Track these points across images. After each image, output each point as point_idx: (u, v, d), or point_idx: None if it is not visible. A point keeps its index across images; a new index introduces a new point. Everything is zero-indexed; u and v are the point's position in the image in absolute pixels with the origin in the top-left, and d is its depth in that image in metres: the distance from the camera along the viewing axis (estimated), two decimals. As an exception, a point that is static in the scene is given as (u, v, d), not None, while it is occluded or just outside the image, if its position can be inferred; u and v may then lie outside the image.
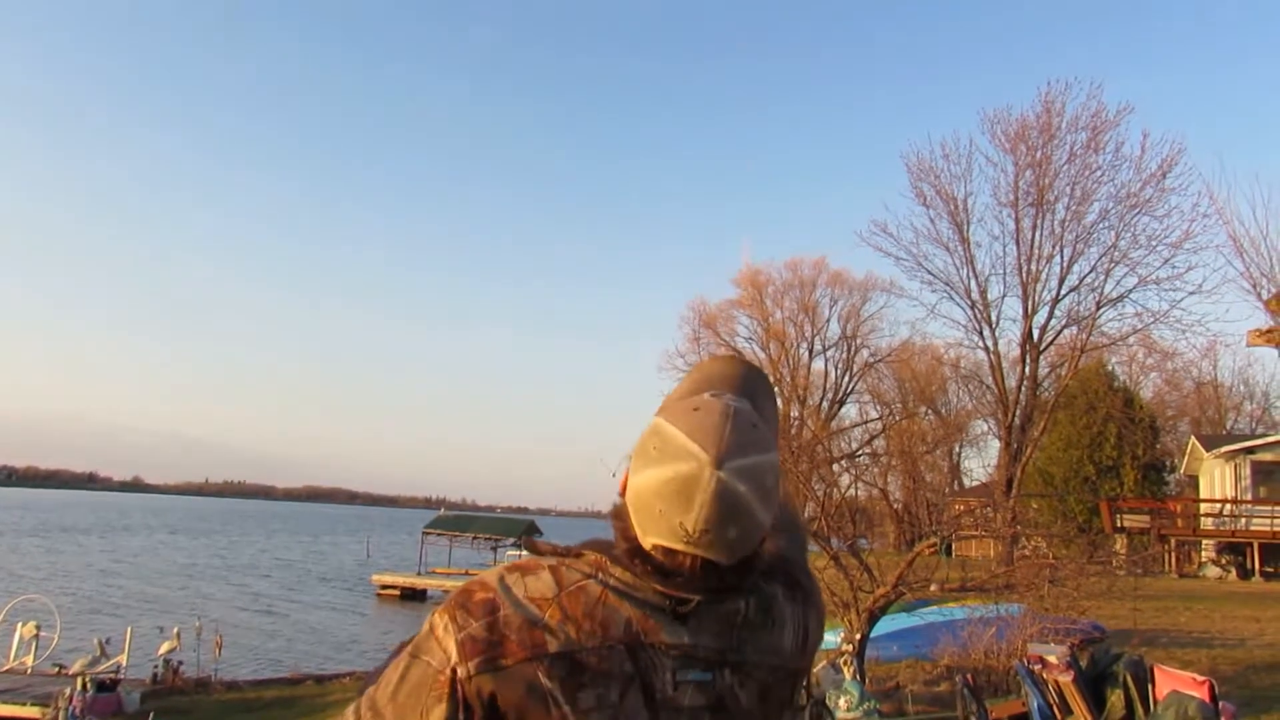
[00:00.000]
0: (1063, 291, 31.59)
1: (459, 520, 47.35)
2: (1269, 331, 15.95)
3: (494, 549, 44.45)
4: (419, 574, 41.49)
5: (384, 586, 39.89)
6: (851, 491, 57.71)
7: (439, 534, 44.52)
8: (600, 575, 1.21)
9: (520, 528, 44.26)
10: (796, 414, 54.73)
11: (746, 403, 1.27)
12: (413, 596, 38.50)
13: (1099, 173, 30.88)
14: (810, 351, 56.60)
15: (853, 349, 56.43)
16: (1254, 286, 16.63)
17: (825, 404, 56.55)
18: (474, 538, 44.43)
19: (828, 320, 56.27)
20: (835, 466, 58.19)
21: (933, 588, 11.84)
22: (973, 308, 32.99)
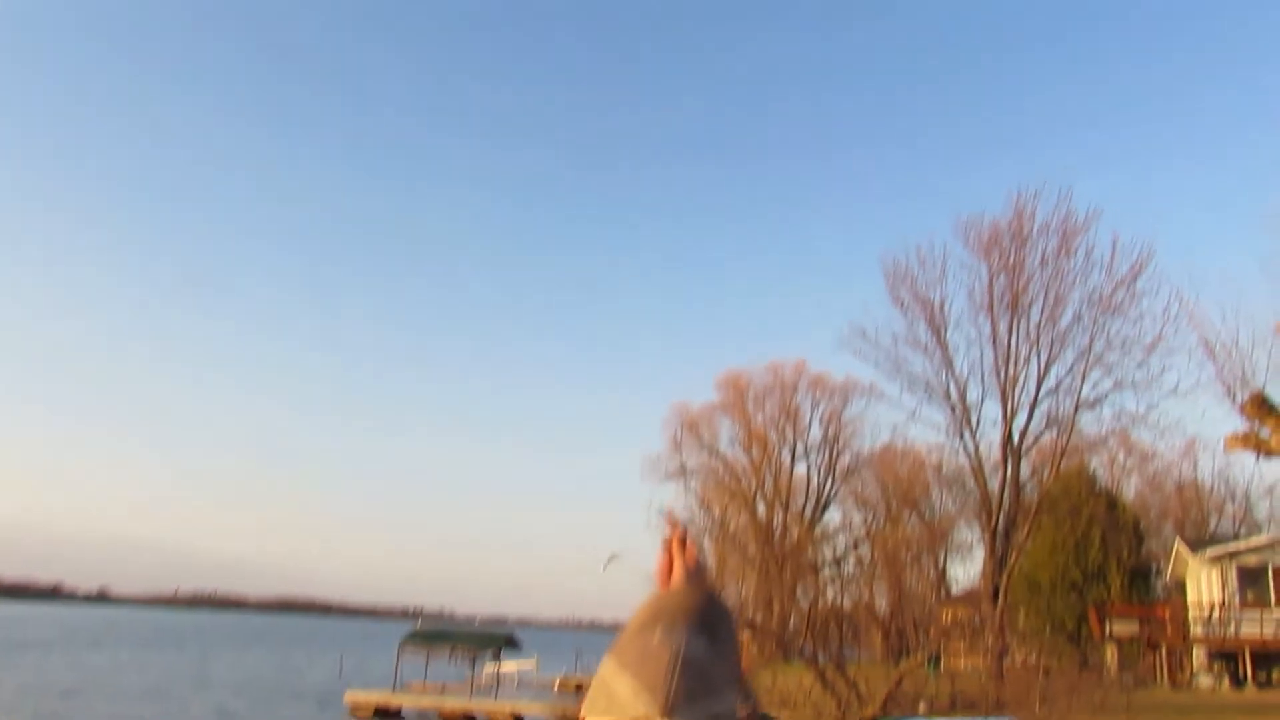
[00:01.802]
0: (1041, 394, 31.88)
1: (436, 633, 46.04)
2: (1247, 436, 16.02)
3: (472, 662, 43.17)
4: (394, 690, 40.11)
5: (356, 705, 38.46)
6: (837, 600, 57.04)
7: (416, 647, 43.21)
8: None
9: (498, 639, 43.11)
10: (779, 520, 54.29)
11: (702, 641, 1.18)
12: (387, 714, 37.10)
13: (1071, 276, 31.60)
14: (792, 455, 56.48)
15: (835, 452, 56.37)
16: (1228, 391, 16.83)
17: (808, 509, 56.12)
18: (452, 650, 43.16)
19: (809, 424, 56.37)
20: (820, 574, 57.54)
21: (921, 706, 11.51)
22: (953, 411, 33.17)
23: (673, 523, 1.35)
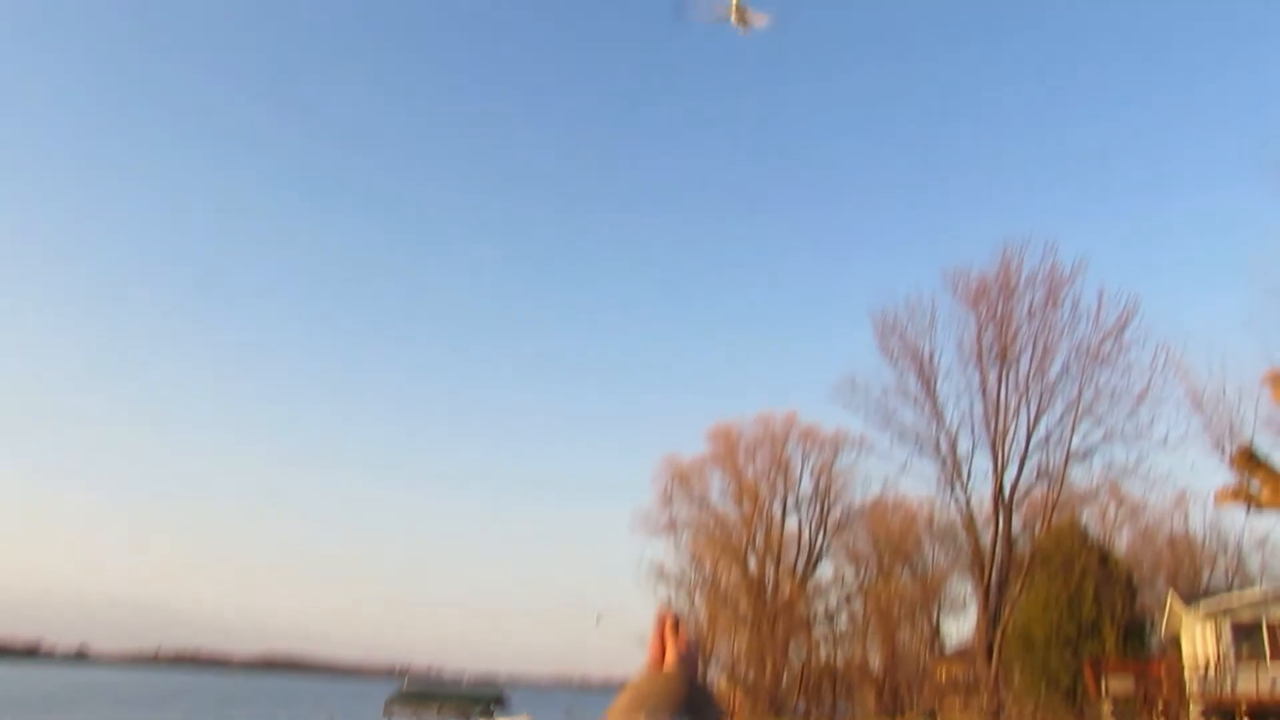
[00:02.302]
0: (1031, 446, 31.95)
1: (423, 692, 45.30)
2: (1237, 490, 16.01)
3: (461, 722, 42.33)
4: (379, 753, 39.23)
5: (341, 767, 37.59)
6: (830, 657, 56.34)
7: (402, 707, 42.40)
8: None
9: (487, 698, 42.37)
10: (771, 574, 53.81)
11: None
12: (373, 777, 36.26)
13: (1059, 328, 31.89)
14: (783, 508, 56.12)
15: (826, 505, 56.03)
16: (1217, 443, 16.87)
17: (800, 563, 55.64)
18: (440, 709, 42.37)
19: (800, 476, 56.11)
20: (813, 631, 56.84)
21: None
22: (944, 463, 33.19)
23: (663, 612, 1.34)
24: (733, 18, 13.01)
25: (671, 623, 1.38)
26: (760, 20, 12.97)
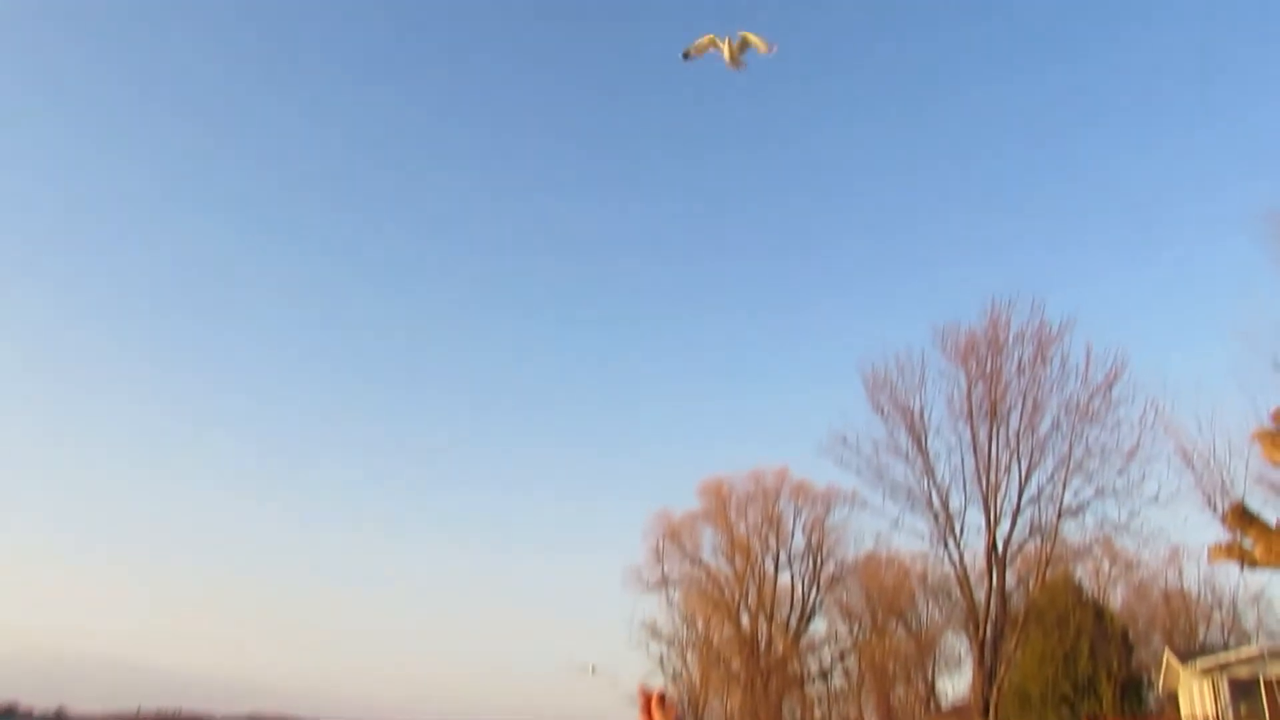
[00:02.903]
0: (1023, 502, 31.87)
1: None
2: (1230, 547, 15.98)
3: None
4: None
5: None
6: (824, 715, 55.42)
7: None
8: None
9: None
10: (764, 631, 53.23)
11: None
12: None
13: (1048, 384, 32.02)
14: (776, 564, 55.70)
15: (819, 561, 55.65)
16: (1208, 501, 16.87)
17: (793, 619, 55.09)
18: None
19: (792, 532, 55.80)
20: (806, 689, 55.89)
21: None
22: (936, 519, 33.04)
23: (646, 690, 1.34)
24: (726, 58, 13.23)
25: (657, 699, 1.38)
26: (765, 47, 13.22)
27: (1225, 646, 37.07)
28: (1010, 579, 33.42)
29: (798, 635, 54.39)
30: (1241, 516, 15.84)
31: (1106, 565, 44.46)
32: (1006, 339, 32.51)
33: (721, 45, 13.40)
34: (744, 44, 13.51)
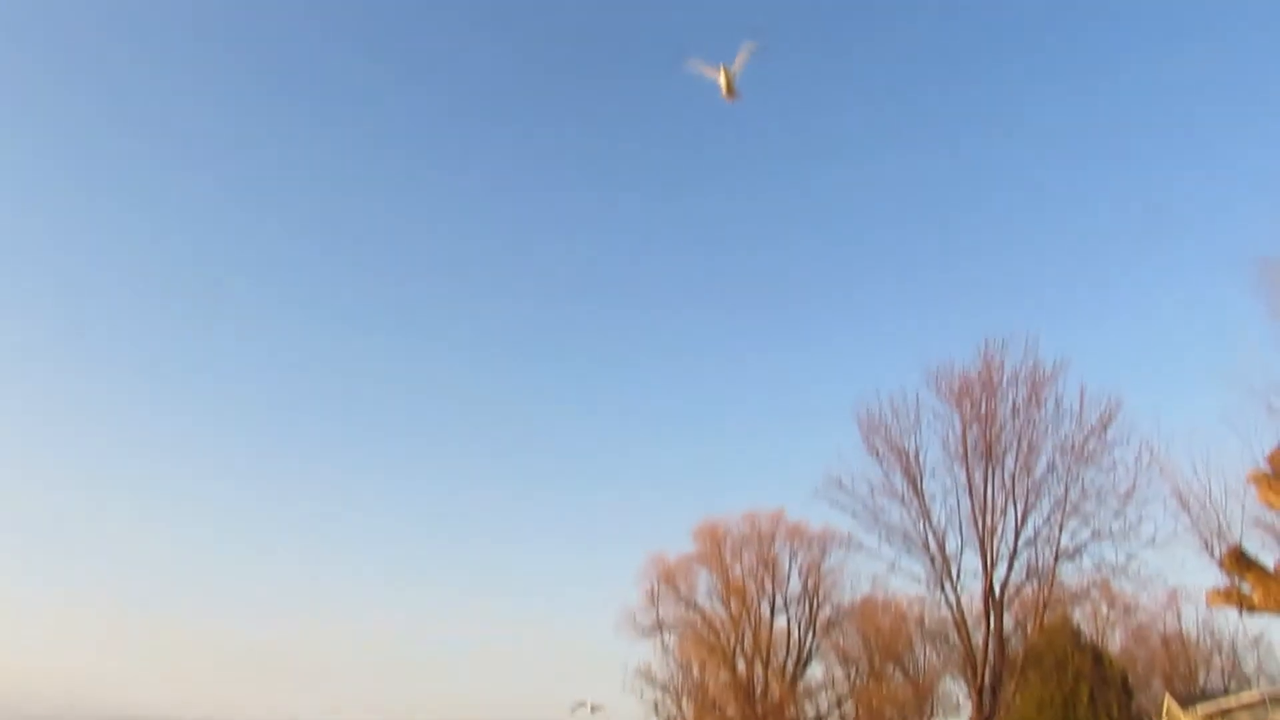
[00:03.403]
0: (1020, 545, 31.69)
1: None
2: (1228, 591, 15.88)
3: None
4: None
5: None
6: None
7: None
8: None
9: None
10: (760, 676, 52.59)
11: None
12: None
13: (1042, 426, 31.97)
14: (772, 608, 55.16)
15: (815, 605, 55.10)
16: (1205, 544, 16.78)
17: (789, 664, 54.44)
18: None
19: (788, 575, 55.31)
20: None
21: None
22: (932, 562, 32.82)
23: None
24: (722, 88, 13.29)
25: None
26: (746, 53, 13.27)
27: (1225, 691, 36.73)
28: (1008, 623, 33.18)
29: (794, 680, 53.71)
30: (1239, 560, 15.76)
31: (1105, 608, 44.17)
32: (1000, 381, 32.56)
33: (717, 74, 13.47)
34: (740, 63, 13.57)
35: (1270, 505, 16.17)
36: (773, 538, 55.37)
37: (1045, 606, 32.50)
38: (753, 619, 54.18)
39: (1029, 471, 31.73)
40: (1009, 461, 32.00)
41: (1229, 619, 47.46)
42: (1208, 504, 17.69)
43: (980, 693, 31.27)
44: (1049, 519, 31.26)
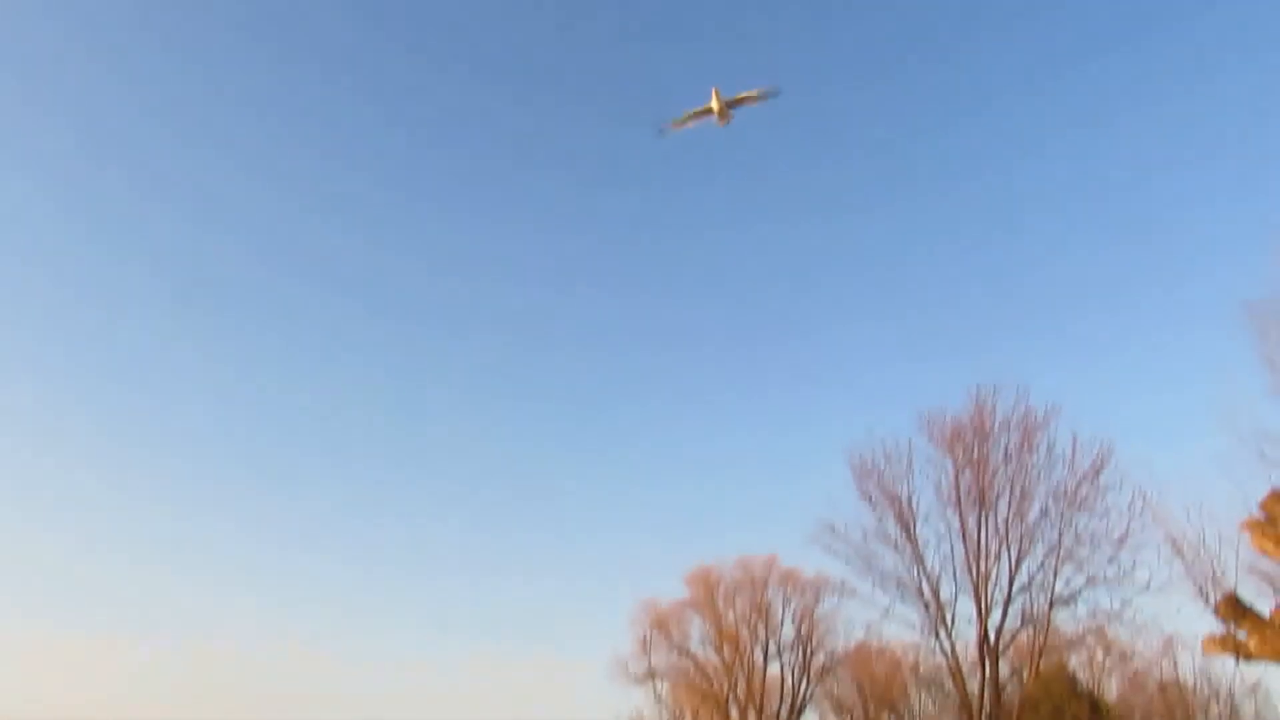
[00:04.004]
0: (1014, 591, 31.52)
1: None
2: (1224, 639, 15.79)
3: None
4: None
5: None
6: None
7: None
8: None
9: None
10: (754, 724, 51.93)
11: None
12: None
13: (1035, 471, 31.95)
14: (765, 655, 54.61)
15: (809, 651, 54.57)
16: (1200, 591, 16.71)
17: (783, 712, 53.79)
18: None
19: (781, 621, 54.84)
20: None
21: None
22: (926, 608, 32.60)
23: None
24: (715, 112, 13.36)
25: None
26: (758, 96, 13.27)
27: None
28: (1004, 670, 32.91)
29: (789, 729, 53.07)
30: (1234, 608, 15.69)
31: (1100, 655, 43.82)
32: (992, 426, 32.60)
33: (709, 104, 13.50)
34: (739, 101, 13.62)
35: (1264, 552, 16.15)
36: (766, 583, 54.99)
37: (1041, 653, 32.23)
38: (746, 666, 53.63)
39: (1022, 517, 31.68)
40: (1002, 507, 31.96)
41: (1226, 666, 47.08)
42: (1202, 550, 17.66)
43: (977, 742, 30.89)
44: (1043, 565, 31.16)
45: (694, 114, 14.15)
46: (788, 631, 54.83)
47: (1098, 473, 30.54)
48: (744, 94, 13.93)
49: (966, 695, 32.31)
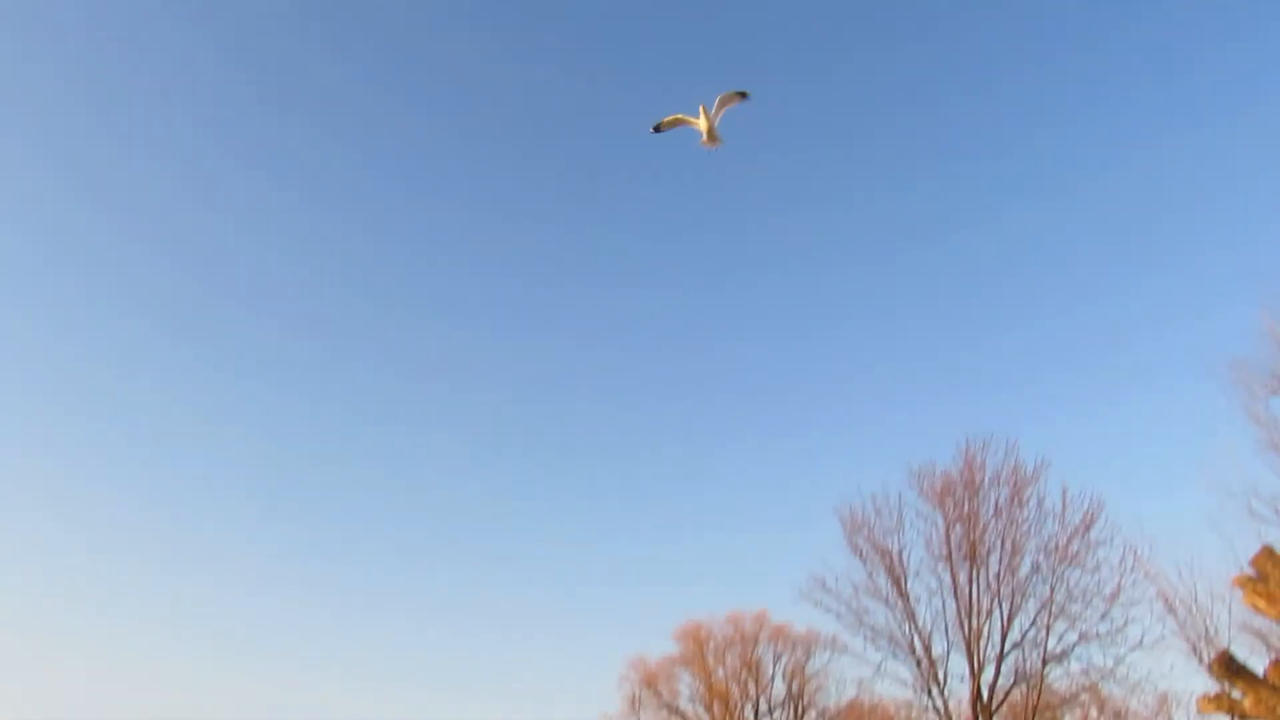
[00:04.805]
0: (1007, 648, 31.26)
1: None
2: (1219, 698, 15.65)
3: None
4: None
5: None
6: None
7: None
8: None
9: None
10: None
11: None
12: None
13: (1026, 526, 31.87)
14: (756, 712, 53.84)
15: (800, 709, 53.83)
16: (1193, 648, 16.60)
17: (775, 772, 52.91)
18: None
19: (772, 678, 54.17)
20: None
21: None
22: (919, 665, 32.27)
23: None
24: (703, 132, 13.32)
25: None
26: (737, 98, 13.14)
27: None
28: (998, 729, 32.45)
29: (780, 790, 52.12)
30: (1228, 666, 15.56)
31: (1094, 713, 43.29)
32: (983, 480, 32.58)
33: (696, 120, 13.39)
34: (720, 108, 13.45)
35: (1256, 609, 16.07)
36: (756, 639, 54.44)
37: (1035, 711, 31.85)
38: (736, 725, 52.84)
39: (1013, 572, 31.52)
40: (993, 562, 31.80)
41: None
42: (1194, 608, 17.60)
43: (972, 807, 30.36)
44: (1035, 621, 30.93)
45: (682, 119, 14.04)
46: (778, 688, 54.18)
47: (1088, 528, 30.51)
48: (727, 97, 13.80)
49: (961, 756, 31.85)
